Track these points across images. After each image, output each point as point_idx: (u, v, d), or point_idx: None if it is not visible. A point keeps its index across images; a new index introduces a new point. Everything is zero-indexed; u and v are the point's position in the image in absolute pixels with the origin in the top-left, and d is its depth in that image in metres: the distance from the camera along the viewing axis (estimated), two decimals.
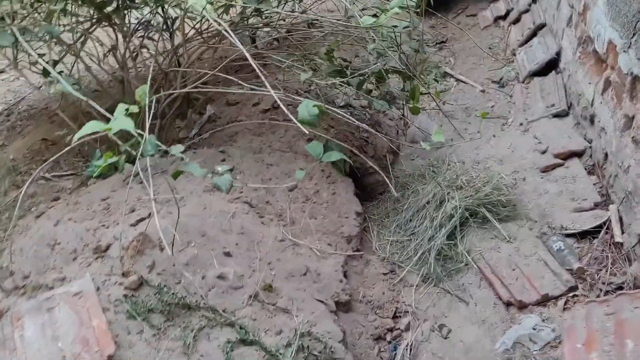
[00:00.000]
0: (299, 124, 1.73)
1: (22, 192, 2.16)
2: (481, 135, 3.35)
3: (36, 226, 2.41)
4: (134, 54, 2.91)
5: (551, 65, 3.64)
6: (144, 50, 3.04)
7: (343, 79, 2.78)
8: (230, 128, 3.11)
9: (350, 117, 2.25)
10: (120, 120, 1.80)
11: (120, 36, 2.90)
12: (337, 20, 2.69)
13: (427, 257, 2.45)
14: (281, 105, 1.75)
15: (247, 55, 1.81)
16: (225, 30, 1.82)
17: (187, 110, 3.34)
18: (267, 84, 1.79)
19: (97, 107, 2.00)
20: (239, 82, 2.22)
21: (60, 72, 2.80)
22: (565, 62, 3.44)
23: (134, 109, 1.90)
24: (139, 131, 1.81)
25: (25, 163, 3.05)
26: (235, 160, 2.75)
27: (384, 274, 2.48)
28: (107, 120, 1.86)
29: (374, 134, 3.25)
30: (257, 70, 1.77)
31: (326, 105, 2.48)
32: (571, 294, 2.20)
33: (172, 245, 2.06)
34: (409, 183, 2.94)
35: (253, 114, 3.21)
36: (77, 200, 2.54)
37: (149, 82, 2.18)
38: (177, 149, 1.85)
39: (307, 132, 1.78)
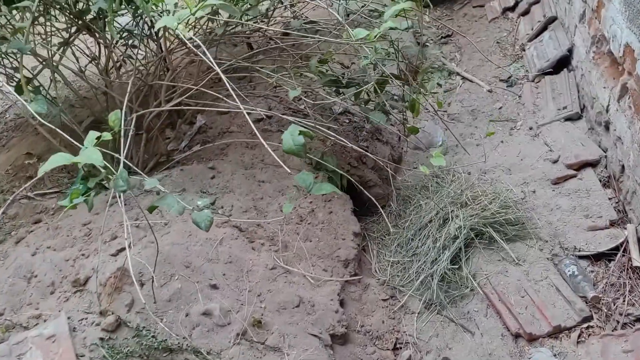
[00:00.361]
0: (282, 163, 1.56)
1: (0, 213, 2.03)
2: (488, 141, 3.16)
3: (14, 255, 2.27)
4: (118, 64, 2.74)
5: (563, 63, 3.43)
6: (130, 59, 2.86)
7: (338, 88, 2.61)
8: (221, 139, 2.95)
9: (343, 140, 2.07)
10: (88, 153, 1.65)
11: (102, 46, 2.73)
12: (331, 26, 2.50)
13: (430, 282, 2.29)
14: (257, 134, 1.58)
15: (222, 75, 1.64)
16: (198, 46, 1.65)
17: (177, 120, 3.18)
18: (240, 106, 1.62)
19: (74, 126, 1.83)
20: (223, 98, 2.04)
21: (37, 87, 2.66)
22: (578, 60, 3.23)
23: (107, 136, 1.75)
24: (117, 161, 1.65)
25: (8, 180, 2.91)
26: (225, 177, 2.59)
27: (384, 300, 2.33)
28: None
29: (373, 144, 3.09)
30: (230, 90, 1.60)
31: (319, 125, 2.33)
32: (585, 325, 2.04)
33: (153, 282, 1.92)
34: (411, 196, 2.77)
35: (246, 124, 3.05)
36: (57, 225, 2.40)
37: (125, 103, 2.02)
38: (152, 183, 1.70)
39: (289, 171, 1.61)
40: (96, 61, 2.66)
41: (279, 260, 2.22)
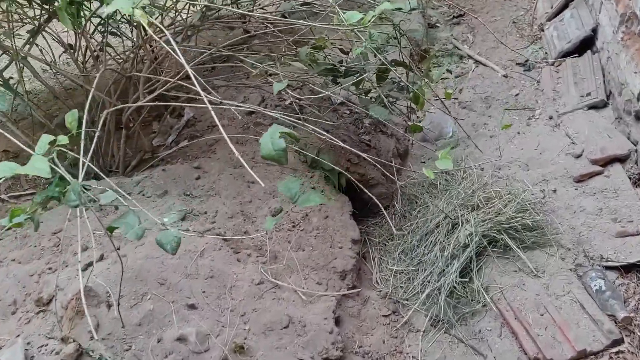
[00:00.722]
0: (257, 179, 1.32)
1: None
2: (503, 132, 2.87)
3: None
4: (95, 54, 2.50)
5: (586, 44, 3.12)
6: (107, 49, 2.61)
7: (335, 77, 2.34)
8: (211, 134, 2.71)
9: (335, 140, 1.82)
10: (34, 162, 1.42)
11: (77, 35, 2.48)
12: (327, 7, 2.23)
13: (437, 296, 2.04)
14: (227, 141, 1.33)
15: (190, 71, 1.39)
16: (165, 36, 1.40)
17: (164, 113, 2.94)
18: (208, 104, 1.37)
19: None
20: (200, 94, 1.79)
21: (8, 79, 2.43)
22: (604, 41, 2.92)
23: (63, 140, 1.52)
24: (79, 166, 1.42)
25: None
26: (212, 177, 2.35)
27: (385, 316, 2.09)
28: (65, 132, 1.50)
29: (376, 136, 2.82)
30: (199, 91, 1.36)
31: (315, 119, 2.08)
32: (615, 350, 1.79)
33: (118, 304, 1.70)
34: (417, 195, 2.52)
35: (237, 116, 2.80)
36: (26, 233, 2.19)
37: (87, 108, 1.78)
38: (107, 198, 1.46)
39: (262, 184, 1.36)
40: (70, 51, 2.41)
41: (266, 273, 1.99)
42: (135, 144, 2.65)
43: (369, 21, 1.47)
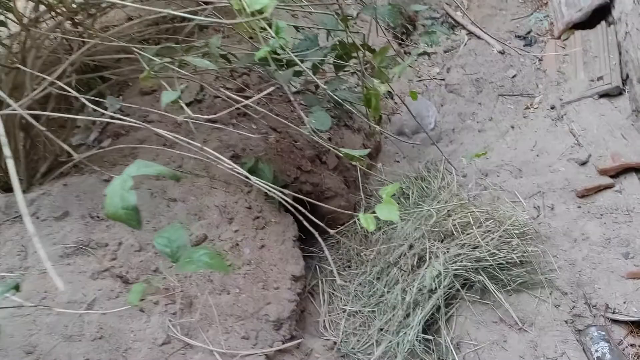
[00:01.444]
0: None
1: None
2: (494, 125, 2.38)
3: None
4: None
5: (600, 14, 2.57)
6: None
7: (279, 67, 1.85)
8: (136, 133, 2.25)
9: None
10: None
11: None
12: None
13: (395, 353, 1.61)
14: None
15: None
16: None
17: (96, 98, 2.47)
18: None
19: None
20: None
21: None
22: (622, 12, 2.37)
23: None
24: None
25: None
26: None
27: None
28: None
29: (339, 132, 2.33)
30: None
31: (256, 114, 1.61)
32: None
33: None
34: None
35: (172, 109, 2.32)
36: None
37: None
38: None
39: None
40: None
41: (175, 328, 1.56)
42: (44, 148, 2.19)
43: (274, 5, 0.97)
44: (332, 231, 1.49)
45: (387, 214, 1.15)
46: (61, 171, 2.12)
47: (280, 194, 1.62)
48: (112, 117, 1.54)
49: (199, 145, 1.38)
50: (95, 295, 1.57)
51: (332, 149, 1.35)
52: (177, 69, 1.50)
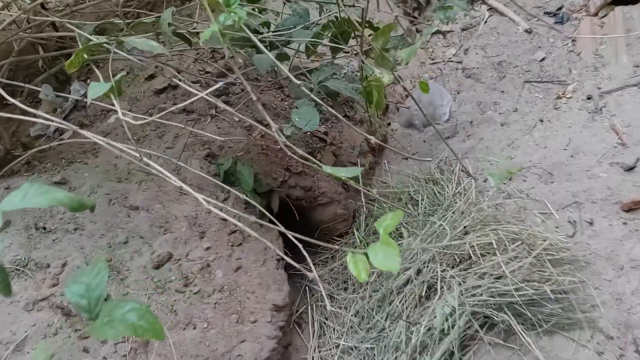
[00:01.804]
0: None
1: None
2: (520, 118, 2.04)
3: None
4: None
5: None
6: None
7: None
8: (104, 121, 1.94)
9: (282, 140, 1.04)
10: None
11: None
12: None
13: None
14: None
15: None
16: None
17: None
18: None
19: None
20: None
21: None
22: None
23: None
24: None
25: None
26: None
27: None
28: None
29: (338, 125, 2.00)
30: None
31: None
32: None
33: None
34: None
35: (143, 95, 2.01)
36: None
37: None
38: None
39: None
40: None
41: None
42: None
43: None
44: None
45: (383, 260, 0.83)
46: (11, 168, 1.83)
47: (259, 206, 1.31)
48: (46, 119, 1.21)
49: (137, 155, 1.06)
50: (28, 332, 1.28)
51: (316, 165, 1.01)
52: (119, 51, 1.17)
